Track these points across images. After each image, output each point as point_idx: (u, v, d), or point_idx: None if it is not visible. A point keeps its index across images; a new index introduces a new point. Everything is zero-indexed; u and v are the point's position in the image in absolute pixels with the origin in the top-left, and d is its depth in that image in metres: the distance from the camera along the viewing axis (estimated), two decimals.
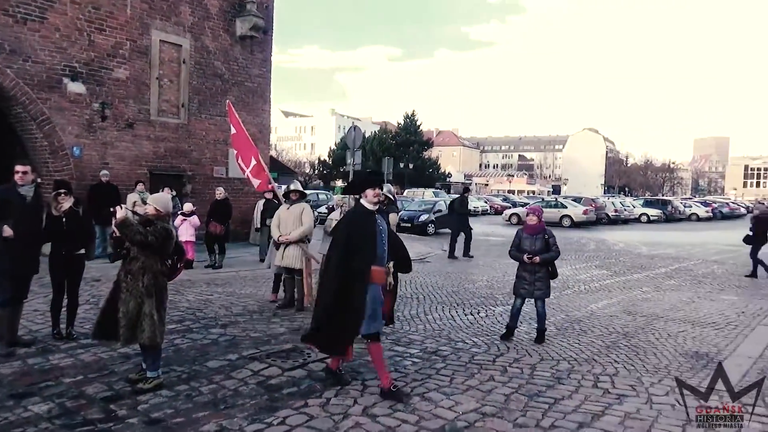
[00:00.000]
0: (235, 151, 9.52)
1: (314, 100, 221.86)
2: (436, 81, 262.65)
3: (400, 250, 8.63)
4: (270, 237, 8.98)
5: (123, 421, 4.13)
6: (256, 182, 9.41)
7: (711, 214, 43.88)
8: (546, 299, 6.76)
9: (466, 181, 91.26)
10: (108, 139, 12.94)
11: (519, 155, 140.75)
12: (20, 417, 4.16)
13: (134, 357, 5.37)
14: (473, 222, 18.61)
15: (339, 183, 52.15)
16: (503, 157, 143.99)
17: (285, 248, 7.84)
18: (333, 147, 63.15)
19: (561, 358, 6.01)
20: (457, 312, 8.16)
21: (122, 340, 4.77)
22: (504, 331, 6.90)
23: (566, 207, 30.52)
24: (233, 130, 9.62)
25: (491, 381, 5.24)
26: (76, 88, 12.33)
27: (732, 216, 47.10)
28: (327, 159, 61.58)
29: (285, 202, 8.40)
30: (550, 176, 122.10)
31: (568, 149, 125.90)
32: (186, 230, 11.09)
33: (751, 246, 12.81)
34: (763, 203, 19.15)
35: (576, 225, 29.22)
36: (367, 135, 63.29)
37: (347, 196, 9.52)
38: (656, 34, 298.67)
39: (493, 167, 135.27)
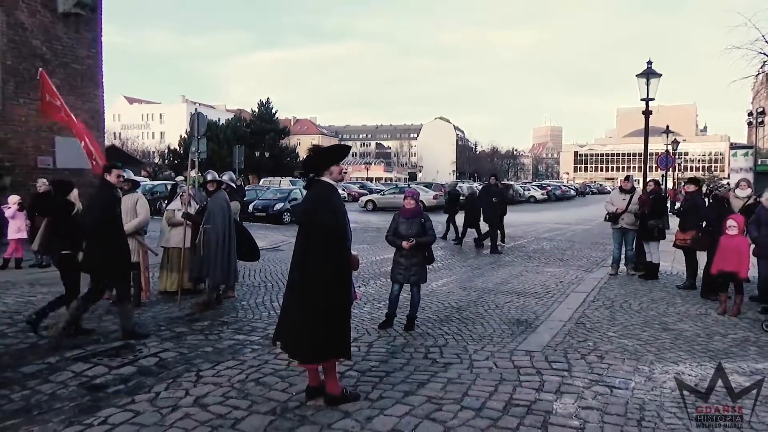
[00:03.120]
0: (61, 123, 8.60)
1: (164, 86, 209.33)
2: (293, 70, 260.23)
3: (248, 239, 8.52)
4: None
5: None
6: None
7: (546, 196, 48.19)
8: (422, 284, 6.71)
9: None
10: None
11: (377, 143, 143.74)
12: None
13: None
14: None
15: (192, 173, 49.80)
16: (361, 146, 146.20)
17: None
18: (184, 136, 60.08)
19: (397, 335, 6.30)
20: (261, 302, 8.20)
21: None
22: (383, 319, 6.68)
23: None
24: (57, 103, 8.66)
25: None
26: None
27: (564, 197, 52.17)
28: (177, 148, 58.50)
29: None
30: (406, 164, 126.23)
31: (422, 137, 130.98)
32: (15, 226, 10.06)
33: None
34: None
35: (428, 209, 30.55)
36: (221, 123, 61.14)
37: (185, 184, 9.15)
38: (496, 29, 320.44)
39: (352, 155, 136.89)
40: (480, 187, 24.82)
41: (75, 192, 6.43)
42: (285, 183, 35.68)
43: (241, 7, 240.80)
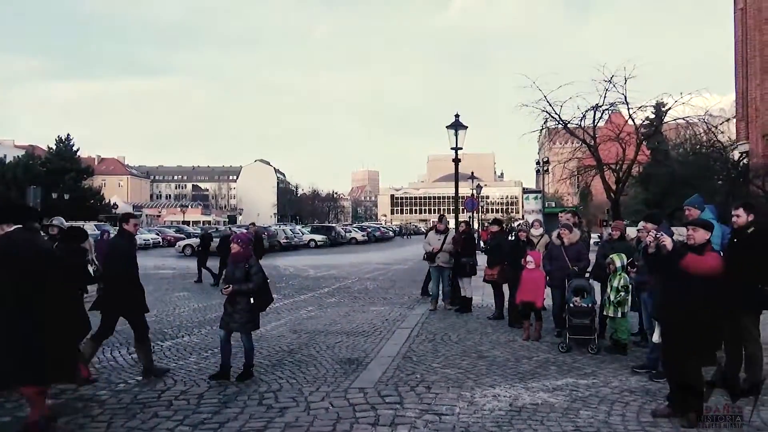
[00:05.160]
0: None
1: None
2: (100, 103, 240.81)
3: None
4: None
5: None
6: None
7: (367, 237, 50.05)
8: (252, 332, 6.39)
9: (136, 213, 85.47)
10: None
11: (193, 185, 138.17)
12: None
13: None
14: (145, 256, 17.55)
15: None
16: (176, 187, 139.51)
17: None
18: None
19: (229, 383, 6.07)
20: (120, 352, 7.54)
21: None
22: (216, 370, 6.31)
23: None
24: None
25: (155, 418, 5.01)
26: None
27: (384, 238, 54.62)
28: None
29: None
30: (225, 206, 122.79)
31: (242, 180, 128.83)
32: None
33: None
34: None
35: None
36: (8, 160, 54.27)
37: None
38: (317, 71, 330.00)
39: (166, 197, 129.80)
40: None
41: (91, 240, 7.21)
42: (89, 227, 32.52)
43: (36, 29, 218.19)
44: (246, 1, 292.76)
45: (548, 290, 8.58)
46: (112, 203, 65.53)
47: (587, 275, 8.36)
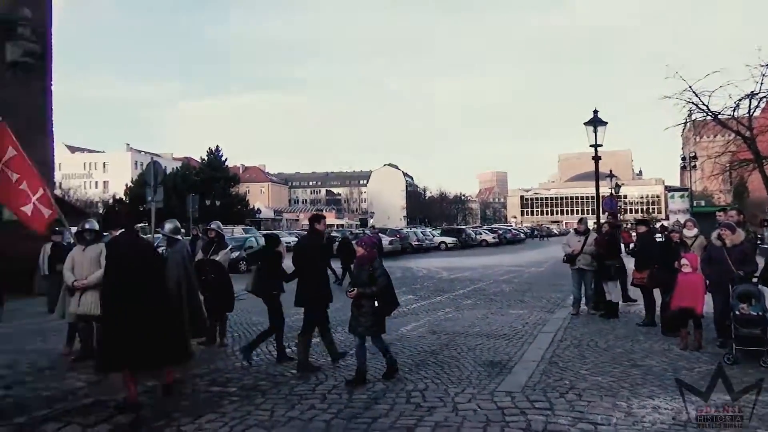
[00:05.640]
0: (17, 176, 8.15)
1: (106, 134, 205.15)
2: (242, 117, 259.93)
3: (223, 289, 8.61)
4: (61, 284, 8.06)
5: None
6: (47, 212, 8.24)
7: (498, 239, 49.22)
8: (381, 335, 6.35)
9: (276, 217, 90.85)
10: None
11: (327, 190, 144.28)
12: None
13: None
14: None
15: (141, 225, 48.49)
16: (312, 193, 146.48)
17: (81, 294, 7.12)
18: (129, 184, 58.71)
19: (376, 380, 6.26)
20: (274, 346, 8.05)
21: None
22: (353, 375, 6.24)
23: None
24: (11, 153, 8.23)
25: (312, 409, 5.29)
26: None
27: (515, 240, 53.42)
28: (123, 197, 57.07)
29: (78, 243, 7.67)
30: (357, 210, 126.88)
31: (372, 184, 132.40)
32: None
33: None
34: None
35: (383, 254, 30.76)
36: (168, 171, 60.11)
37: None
38: (440, 76, 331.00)
39: (303, 202, 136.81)
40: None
41: (283, 244, 8.00)
42: (238, 231, 35.16)
43: (184, 56, 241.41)
44: (365, 15, 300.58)
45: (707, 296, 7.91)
46: (255, 208, 70.23)
47: (755, 280, 7.57)
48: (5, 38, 13.68)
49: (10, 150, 8.02)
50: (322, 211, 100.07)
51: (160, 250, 8.38)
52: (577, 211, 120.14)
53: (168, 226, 7.82)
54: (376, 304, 6.14)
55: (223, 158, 62.76)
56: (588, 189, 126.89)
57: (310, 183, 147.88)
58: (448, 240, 42.30)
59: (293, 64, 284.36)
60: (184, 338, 5.89)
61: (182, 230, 17.70)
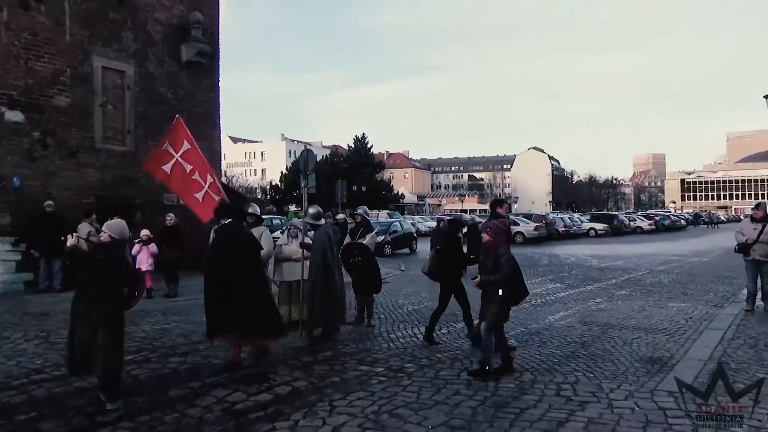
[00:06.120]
0: (190, 167, 9.05)
1: (263, 125, 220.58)
2: (385, 104, 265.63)
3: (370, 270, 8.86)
4: None
5: None
6: (217, 198, 9.06)
7: (654, 226, 45.65)
8: (499, 326, 6.05)
9: (420, 202, 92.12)
10: (51, 169, 12.54)
11: (469, 175, 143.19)
12: None
13: (92, 390, 5.16)
14: (425, 242, 18.96)
15: (292, 208, 51.73)
16: (454, 178, 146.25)
17: None
18: (284, 172, 62.76)
19: (524, 369, 6.10)
20: (419, 329, 8.18)
21: (77, 372, 4.61)
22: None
23: (518, 224, 31.17)
24: (186, 146, 9.16)
25: (457, 395, 5.28)
26: (14, 116, 11.94)
27: (674, 228, 49.15)
28: (279, 184, 61.16)
29: None
30: (500, 195, 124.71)
31: (516, 168, 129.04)
32: (144, 258, 10.82)
33: None
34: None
35: (528, 241, 29.90)
36: (318, 159, 63.33)
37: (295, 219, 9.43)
38: (590, 54, 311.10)
39: (445, 188, 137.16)
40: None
41: (464, 229, 8.15)
42: (383, 216, 36.13)
43: (334, 48, 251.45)
44: None
45: None
46: (399, 194, 71.75)
47: None
48: (180, 40, 15.15)
49: (185, 144, 8.88)
50: (464, 196, 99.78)
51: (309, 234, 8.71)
52: (750, 195, 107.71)
53: (311, 211, 8.18)
54: (500, 292, 5.92)
55: (368, 145, 64.78)
56: (763, 171, 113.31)
57: (452, 168, 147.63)
58: (598, 226, 40.03)
59: (438, 49, 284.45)
60: (272, 312, 6.41)
61: (330, 215, 18.56)
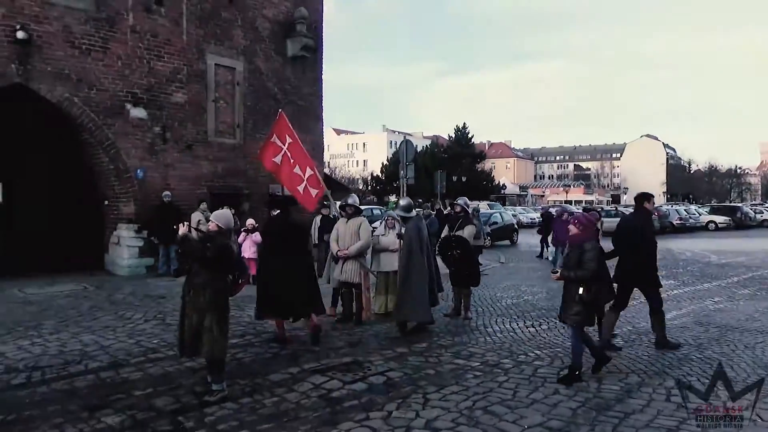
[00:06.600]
0: (292, 160, 9.39)
1: (365, 116, 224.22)
2: (486, 93, 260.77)
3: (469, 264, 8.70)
4: (327, 252, 9.05)
5: None
6: (314, 191, 9.34)
7: None
8: (584, 328, 5.58)
9: (522, 193, 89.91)
10: (169, 161, 13.44)
11: (575, 165, 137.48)
12: (94, 428, 4.31)
13: (200, 370, 5.49)
14: (526, 234, 18.48)
15: (392, 198, 52.28)
16: (558, 168, 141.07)
17: (344, 263, 7.89)
18: (385, 162, 63.43)
19: (630, 371, 5.77)
20: (517, 324, 7.99)
21: (187, 353, 4.91)
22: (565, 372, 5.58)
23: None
24: (288, 140, 9.50)
25: (557, 394, 5.08)
26: (138, 113, 12.88)
27: None
28: (380, 174, 61.93)
29: (341, 216, 8.47)
30: (608, 185, 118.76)
31: (626, 157, 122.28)
32: (249, 247, 11.32)
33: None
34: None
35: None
36: (418, 149, 63.42)
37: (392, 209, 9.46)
38: (708, 33, 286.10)
39: (549, 178, 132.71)
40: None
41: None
42: (483, 206, 35.57)
43: (434, 37, 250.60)
44: None
45: None
46: (501, 184, 70.37)
47: None
48: (286, 36, 15.67)
49: (287, 138, 9.19)
50: (569, 186, 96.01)
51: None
52: None
53: (402, 203, 8.20)
54: (581, 291, 5.42)
55: (469, 135, 63.87)
56: None
57: (557, 158, 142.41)
58: (719, 219, 37.05)
59: (539, 35, 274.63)
60: (313, 296, 6.94)
61: (428, 206, 18.52)
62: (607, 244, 6.56)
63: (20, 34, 10.85)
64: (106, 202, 13.57)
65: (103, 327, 7.60)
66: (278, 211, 7.42)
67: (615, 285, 6.60)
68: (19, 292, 10.22)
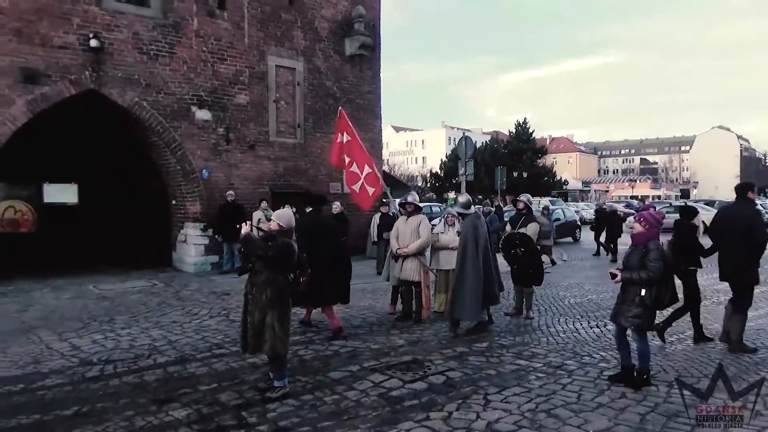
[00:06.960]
0: (348, 159, 9.46)
1: (424, 113, 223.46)
2: (546, 87, 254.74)
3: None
4: (387, 250, 9.06)
5: (253, 428, 4.32)
6: (371, 189, 9.37)
7: None
8: (646, 332, 5.33)
9: (584, 188, 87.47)
10: (233, 161, 13.80)
11: (641, 159, 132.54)
12: (162, 421, 4.48)
13: (263, 367, 5.61)
14: (589, 231, 17.94)
15: (451, 195, 51.92)
16: (623, 162, 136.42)
17: (403, 261, 7.88)
18: (444, 159, 63.06)
19: (702, 376, 5.50)
20: (581, 324, 7.77)
21: (249, 350, 5.02)
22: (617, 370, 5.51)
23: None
24: (346, 138, 9.56)
25: (623, 398, 4.91)
26: (203, 115, 13.29)
27: None
28: (439, 171, 61.64)
29: (401, 214, 8.46)
30: (676, 180, 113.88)
31: (696, 150, 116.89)
32: None
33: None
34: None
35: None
36: (478, 145, 62.69)
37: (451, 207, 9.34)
38: None
39: (613, 172, 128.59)
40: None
41: (701, 216, 8.20)
42: (544, 202, 34.82)
43: (492, 32, 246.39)
44: None
45: None
46: (563, 180, 68.68)
47: None
48: (344, 35, 15.81)
49: (345, 135, 9.26)
50: (635, 181, 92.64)
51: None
52: None
53: (460, 200, 8.07)
54: (642, 293, 5.09)
55: (530, 130, 62.64)
56: None
57: (622, 152, 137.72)
58: None
59: (598, 28, 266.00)
60: (343, 287, 7.46)
61: (488, 203, 18.24)
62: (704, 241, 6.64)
63: (93, 43, 11.40)
64: (174, 202, 14.08)
65: (170, 322, 7.89)
66: (311, 208, 7.94)
67: (727, 284, 6.56)
68: (94, 288, 10.74)
